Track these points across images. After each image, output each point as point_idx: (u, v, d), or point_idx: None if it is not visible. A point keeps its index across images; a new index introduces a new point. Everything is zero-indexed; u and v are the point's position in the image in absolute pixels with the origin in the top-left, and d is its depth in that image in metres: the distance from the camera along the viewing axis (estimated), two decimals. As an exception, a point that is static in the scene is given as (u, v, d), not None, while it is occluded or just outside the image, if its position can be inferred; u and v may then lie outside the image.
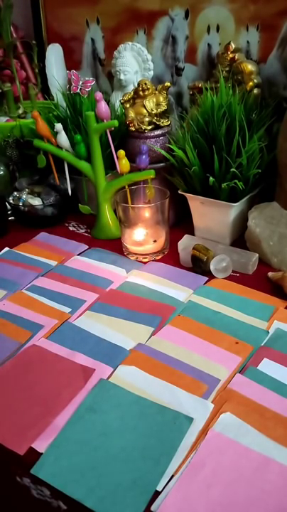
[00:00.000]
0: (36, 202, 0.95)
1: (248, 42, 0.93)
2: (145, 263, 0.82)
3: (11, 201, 0.95)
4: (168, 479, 0.45)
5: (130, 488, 0.44)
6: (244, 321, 0.66)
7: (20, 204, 0.95)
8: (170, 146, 0.84)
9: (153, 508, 0.43)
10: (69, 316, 0.69)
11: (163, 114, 0.87)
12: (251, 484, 0.44)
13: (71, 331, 0.66)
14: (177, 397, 0.54)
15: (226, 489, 0.44)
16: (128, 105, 0.87)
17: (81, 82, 0.94)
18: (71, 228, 0.97)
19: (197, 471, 0.46)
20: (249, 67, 0.87)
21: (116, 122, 0.82)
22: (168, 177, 0.87)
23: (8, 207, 0.97)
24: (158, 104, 0.85)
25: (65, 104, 0.98)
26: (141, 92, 0.85)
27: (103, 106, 0.82)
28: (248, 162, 0.78)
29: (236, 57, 0.90)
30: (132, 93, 0.86)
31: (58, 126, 0.86)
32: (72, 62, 1.17)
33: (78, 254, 0.85)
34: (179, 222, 0.93)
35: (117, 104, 0.98)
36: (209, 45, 0.98)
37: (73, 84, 0.94)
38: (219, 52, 0.92)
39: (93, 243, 0.89)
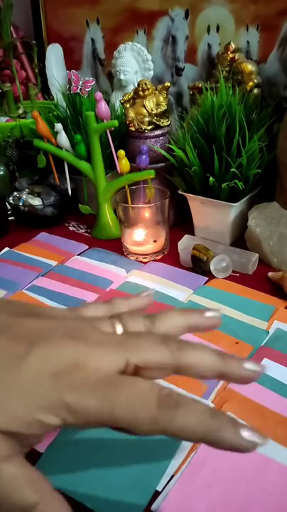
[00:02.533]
0: (36, 202, 0.95)
1: (248, 42, 0.93)
2: (145, 263, 0.82)
3: (11, 201, 0.95)
4: (168, 479, 0.45)
5: (130, 488, 0.44)
6: (244, 321, 0.66)
7: (20, 204, 0.95)
8: (170, 146, 0.84)
9: (153, 508, 0.43)
10: (69, 316, 0.69)
11: (163, 114, 0.87)
12: (251, 484, 0.44)
13: (71, 331, 0.65)
14: (177, 397, 0.54)
15: (227, 489, 0.44)
16: (128, 105, 0.87)
17: (81, 82, 0.94)
18: (71, 228, 0.97)
19: (197, 471, 0.46)
20: (249, 67, 0.87)
21: (116, 122, 0.82)
22: (168, 177, 0.87)
23: (8, 207, 0.97)
24: (158, 104, 0.85)
25: (64, 104, 0.98)
26: (141, 92, 0.85)
27: (103, 106, 0.82)
28: (248, 162, 0.78)
29: (236, 57, 0.90)
30: (132, 93, 0.86)
31: (58, 126, 0.86)
32: (72, 62, 1.17)
33: (78, 254, 0.85)
34: (179, 222, 0.93)
35: (117, 104, 0.98)
36: (209, 45, 0.98)
37: (73, 84, 0.94)
38: (219, 52, 0.92)
39: (93, 243, 0.89)
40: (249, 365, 0.32)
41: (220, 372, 0.31)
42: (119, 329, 0.33)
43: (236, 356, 0.32)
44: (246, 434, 0.27)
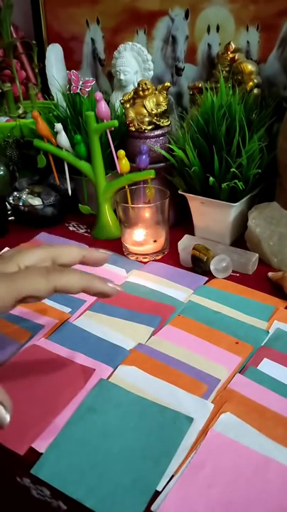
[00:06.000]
0: (36, 202, 0.95)
1: (248, 42, 0.93)
2: (145, 263, 0.82)
3: (11, 201, 0.95)
4: (168, 479, 0.45)
5: (130, 488, 0.44)
6: (244, 321, 0.66)
7: (20, 204, 0.95)
8: (170, 146, 0.84)
9: (153, 508, 0.43)
10: (69, 316, 0.69)
11: (163, 114, 0.87)
12: (251, 484, 0.44)
13: (71, 331, 0.66)
14: (177, 397, 0.54)
15: (226, 489, 0.44)
16: (128, 105, 0.87)
17: (81, 82, 0.94)
18: (71, 228, 0.97)
19: (197, 471, 0.46)
20: (249, 67, 0.87)
21: (116, 122, 0.82)
22: (168, 177, 0.87)
23: (8, 207, 0.97)
24: (158, 104, 0.85)
25: (64, 104, 0.98)
26: (141, 92, 0.85)
27: (103, 106, 0.82)
28: (248, 162, 0.78)
29: (236, 57, 0.90)
30: (132, 93, 0.86)
31: (58, 126, 0.86)
32: (72, 62, 1.17)
33: (78, 254, 0.85)
34: (179, 222, 0.93)
35: (117, 104, 0.98)
36: (209, 45, 0.98)
37: (73, 84, 0.94)
38: (219, 52, 0.92)
39: (93, 243, 0.89)
40: (110, 284, 0.46)
41: (86, 287, 0.44)
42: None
43: (100, 277, 0.45)
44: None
